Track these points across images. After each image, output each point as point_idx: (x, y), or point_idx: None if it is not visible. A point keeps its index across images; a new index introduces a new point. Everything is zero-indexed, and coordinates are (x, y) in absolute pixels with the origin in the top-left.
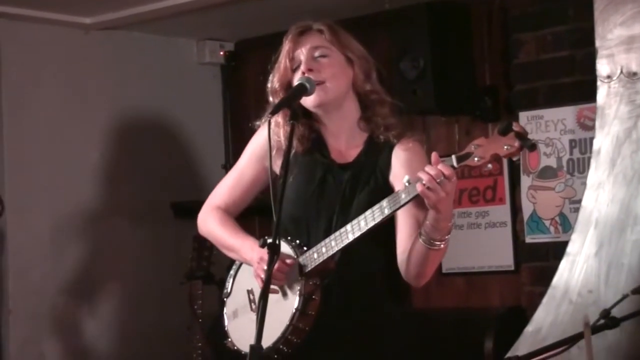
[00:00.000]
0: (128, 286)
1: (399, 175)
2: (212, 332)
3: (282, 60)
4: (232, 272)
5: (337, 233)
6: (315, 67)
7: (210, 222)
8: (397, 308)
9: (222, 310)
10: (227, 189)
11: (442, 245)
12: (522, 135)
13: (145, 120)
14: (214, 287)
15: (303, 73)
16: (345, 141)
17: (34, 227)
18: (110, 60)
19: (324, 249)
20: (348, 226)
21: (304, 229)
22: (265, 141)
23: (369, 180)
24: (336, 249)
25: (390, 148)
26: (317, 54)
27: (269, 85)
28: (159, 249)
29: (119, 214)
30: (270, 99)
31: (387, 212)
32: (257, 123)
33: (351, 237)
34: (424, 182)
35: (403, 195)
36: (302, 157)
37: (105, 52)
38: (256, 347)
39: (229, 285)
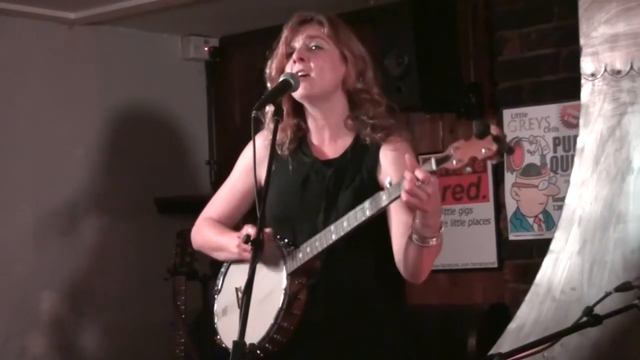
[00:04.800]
0: (111, 281)
1: (387, 174)
2: (196, 327)
3: (280, 47)
4: (223, 269)
5: (322, 233)
6: (307, 57)
7: (201, 230)
8: (389, 305)
9: (213, 307)
10: (220, 201)
11: (434, 242)
12: (499, 139)
13: (129, 115)
14: (197, 282)
15: (294, 61)
16: (330, 137)
17: (17, 222)
18: (95, 56)
19: (308, 249)
20: (332, 227)
21: (289, 229)
22: (256, 153)
23: (354, 177)
24: (320, 249)
25: (377, 148)
26: (312, 44)
27: (267, 71)
28: (142, 244)
29: (102, 209)
30: (268, 85)
31: (368, 213)
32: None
33: (334, 238)
34: (406, 188)
35: (384, 197)
36: (287, 160)
37: (89, 47)
38: (239, 343)
39: (219, 282)
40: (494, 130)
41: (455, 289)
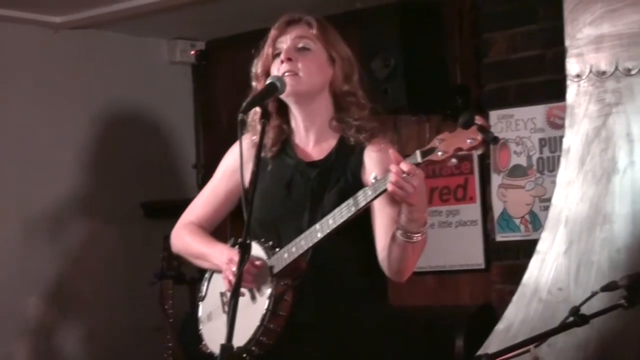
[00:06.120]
0: (98, 286)
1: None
2: (183, 331)
3: (267, 47)
4: (207, 275)
5: (307, 232)
6: (295, 57)
7: (181, 236)
8: (375, 303)
9: (197, 313)
10: (200, 204)
11: (419, 237)
12: (484, 129)
13: (115, 119)
14: (185, 286)
15: (282, 61)
16: (315, 139)
17: (3, 227)
18: (80, 60)
19: (294, 249)
20: (317, 225)
21: (273, 232)
22: (238, 156)
23: (339, 179)
24: (306, 247)
25: (362, 149)
26: (300, 44)
27: (252, 69)
28: (129, 248)
29: (89, 213)
30: (254, 83)
31: (354, 209)
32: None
33: (320, 236)
34: (392, 180)
35: (370, 192)
36: (271, 162)
37: (75, 51)
38: (227, 346)
39: (203, 288)
40: (478, 120)
41: (443, 290)
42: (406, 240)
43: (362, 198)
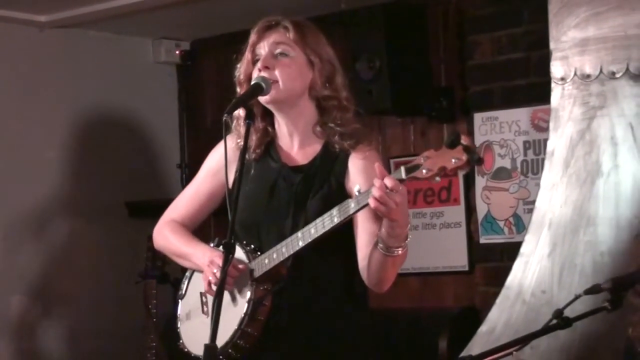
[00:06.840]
0: (82, 285)
1: (355, 182)
2: (167, 331)
3: (246, 53)
4: (187, 273)
5: (289, 239)
6: (272, 65)
7: (164, 233)
8: (354, 312)
9: (176, 311)
10: (183, 202)
11: (400, 252)
12: (470, 149)
13: (100, 119)
14: (169, 286)
15: (259, 70)
16: (299, 143)
17: None
18: (65, 59)
19: (274, 255)
20: (299, 233)
21: (254, 234)
22: (222, 156)
23: (322, 185)
24: (287, 255)
25: (346, 156)
26: (277, 51)
27: (236, 74)
28: (113, 248)
29: (73, 213)
30: (238, 89)
31: (336, 220)
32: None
33: (301, 244)
34: (375, 195)
35: (352, 205)
36: (255, 164)
37: (60, 50)
38: (211, 346)
39: (184, 286)
40: (464, 140)
41: (426, 292)
42: (386, 254)
43: (344, 210)
